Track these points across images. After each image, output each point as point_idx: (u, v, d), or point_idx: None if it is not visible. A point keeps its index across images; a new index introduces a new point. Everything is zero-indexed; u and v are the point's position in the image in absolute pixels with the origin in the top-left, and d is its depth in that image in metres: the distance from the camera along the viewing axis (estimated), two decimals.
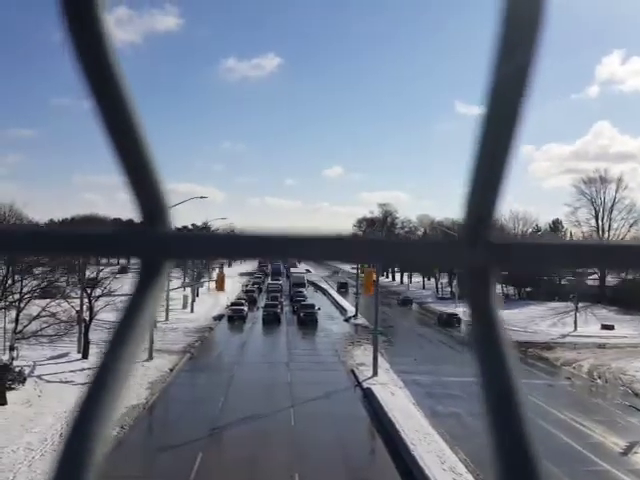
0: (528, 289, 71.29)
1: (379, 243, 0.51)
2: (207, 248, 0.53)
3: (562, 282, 71.19)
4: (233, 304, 55.47)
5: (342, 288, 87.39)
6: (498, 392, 0.47)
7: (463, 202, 0.48)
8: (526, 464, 0.44)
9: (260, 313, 53.15)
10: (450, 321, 51.14)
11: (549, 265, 0.52)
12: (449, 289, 75.83)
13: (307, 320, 49.27)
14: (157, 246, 0.52)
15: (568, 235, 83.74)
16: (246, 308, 54.28)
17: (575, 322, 51.16)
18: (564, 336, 47.12)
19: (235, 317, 51.35)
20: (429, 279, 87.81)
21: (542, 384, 30.91)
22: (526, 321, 53.35)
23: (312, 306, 52.87)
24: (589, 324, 52.38)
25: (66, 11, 0.44)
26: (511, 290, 72.26)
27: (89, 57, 0.45)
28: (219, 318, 52.84)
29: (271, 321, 49.56)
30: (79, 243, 0.53)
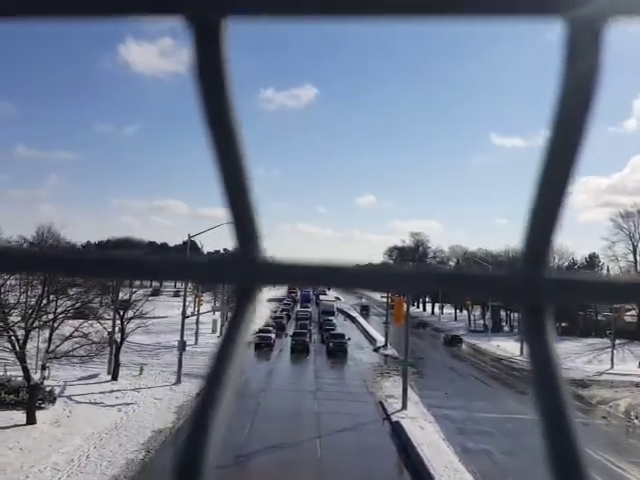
0: (564, 324, 69.61)
1: (433, 273, 0.51)
2: (295, 275, 0.53)
3: (599, 317, 69.44)
4: (260, 331, 54.51)
5: (364, 310, 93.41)
6: (554, 426, 0.47)
7: (523, 234, 0.48)
8: None
9: (288, 341, 52.22)
10: (453, 341, 60.55)
11: (602, 301, 0.52)
12: (482, 322, 74.50)
13: (336, 350, 48.11)
14: (251, 273, 0.53)
15: (605, 270, 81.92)
16: (274, 335, 53.49)
17: (612, 359, 49.63)
18: (600, 373, 45.68)
19: (262, 344, 50.44)
20: (461, 311, 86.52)
21: (577, 423, 29.95)
22: (561, 357, 51.57)
23: (342, 336, 51.71)
24: (626, 362, 50.79)
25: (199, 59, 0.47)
26: None
27: (213, 102, 0.49)
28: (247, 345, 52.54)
29: (299, 350, 48.59)
30: (177, 270, 0.54)
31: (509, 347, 56.46)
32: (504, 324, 74.98)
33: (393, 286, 0.54)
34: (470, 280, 0.51)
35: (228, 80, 0.48)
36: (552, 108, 0.44)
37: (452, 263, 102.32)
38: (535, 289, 0.48)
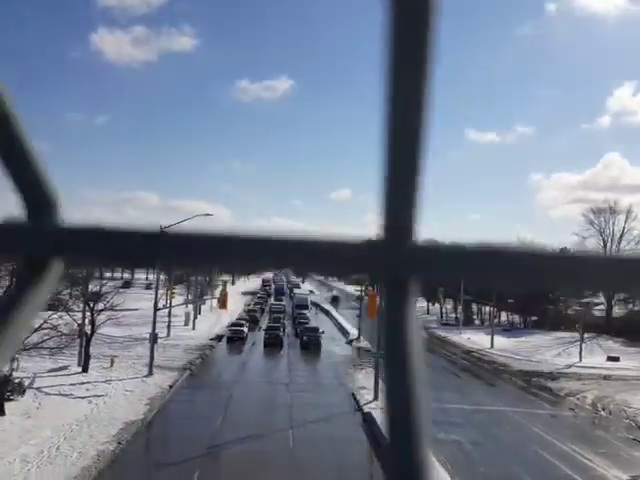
0: (534, 318, 70.77)
1: (285, 242, 0.46)
2: (105, 248, 0.45)
3: (568, 312, 70.73)
4: (233, 324, 53.94)
5: (334, 301, 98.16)
6: (400, 413, 0.44)
7: (381, 203, 0.45)
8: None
9: (262, 335, 51.77)
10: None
11: (477, 277, 0.46)
12: (454, 315, 75.38)
13: (310, 344, 48.00)
14: (42, 242, 0.45)
15: None
16: (246, 329, 52.93)
17: (580, 353, 50.64)
18: (569, 366, 46.59)
19: (235, 338, 50.28)
20: (433, 304, 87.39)
21: (545, 414, 30.54)
22: (531, 350, 52.88)
23: (316, 329, 51.58)
24: (594, 355, 51.87)
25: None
26: (517, 318, 71.75)
27: None
28: (219, 338, 51.33)
29: (273, 344, 48.24)
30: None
31: (479, 340, 57.30)
32: (475, 317, 76.04)
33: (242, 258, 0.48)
34: (326, 251, 0.45)
35: None
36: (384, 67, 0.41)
37: None
38: (394, 261, 0.44)
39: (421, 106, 0.42)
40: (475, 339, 58.36)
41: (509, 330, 65.70)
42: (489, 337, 54.97)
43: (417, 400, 0.44)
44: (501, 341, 56.14)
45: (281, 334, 51.44)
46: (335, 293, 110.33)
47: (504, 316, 72.75)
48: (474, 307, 76.10)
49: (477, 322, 74.14)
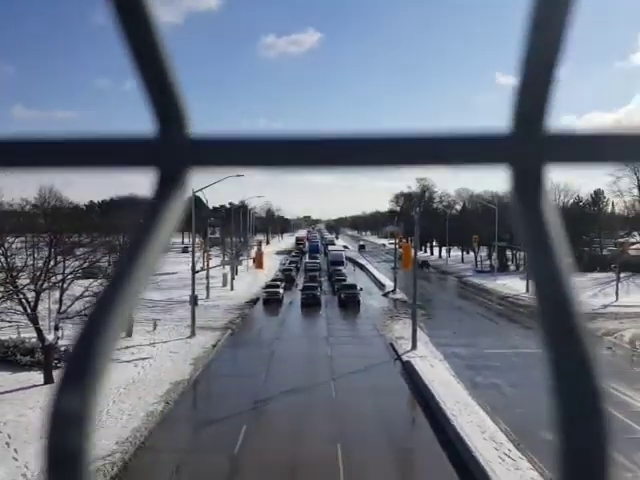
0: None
1: (408, 140, 0.45)
2: (238, 154, 0.46)
3: (603, 252, 69.61)
4: (268, 286, 52.31)
5: (361, 248, 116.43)
6: (553, 300, 0.41)
7: (515, 90, 0.43)
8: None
9: (299, 295, 50.46)
10: (422, 265, 66.36)
11: (609, 160, 0.45)
12: (488, 262, 74.91)
13: (348, 301, 46.96)
14: (175, 154, 0.45)
15: (610, 205, 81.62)
16: (282, 290, 51.44)
17: (617, 292, 50.05)
18: (605, 306, 46.15)
19: (271, 300, 48.80)
20: (468, 252, 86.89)
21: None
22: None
23: (354, 286, 50.32)
24: (631, 294, 51.21)
25: None
26: None
27: None
28: (252, 303, 49.83)
29: (310, 304, 46.91)
30: (78, 153, 0.46)
31: (515, 285, 56.95)
32: (510, 263, 75.40)
33: (407, 159, 0.46)
34: (452, 144, 0.45)
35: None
36: None
37: (458, 207, 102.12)
38: (528, 148, 0.44)
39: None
40: (510, 285, 58.05)
41: None
42: (524, 282, 54.60)
43: (564, 280, 0.42)
44: None
45: (318, 293, 49.73)
46: (361, 243, 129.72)
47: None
48: (508, 253, 75.43)
49: (512, 268, 73.57)
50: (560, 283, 0.41)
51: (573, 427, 0.36)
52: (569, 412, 0.36)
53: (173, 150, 0.45)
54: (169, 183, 0.46)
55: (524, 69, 0.42)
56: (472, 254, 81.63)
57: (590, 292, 52.98)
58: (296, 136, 0.45)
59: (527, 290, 52.91)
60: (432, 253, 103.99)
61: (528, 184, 0.44)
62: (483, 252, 78.19)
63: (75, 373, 0.41)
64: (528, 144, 0.43)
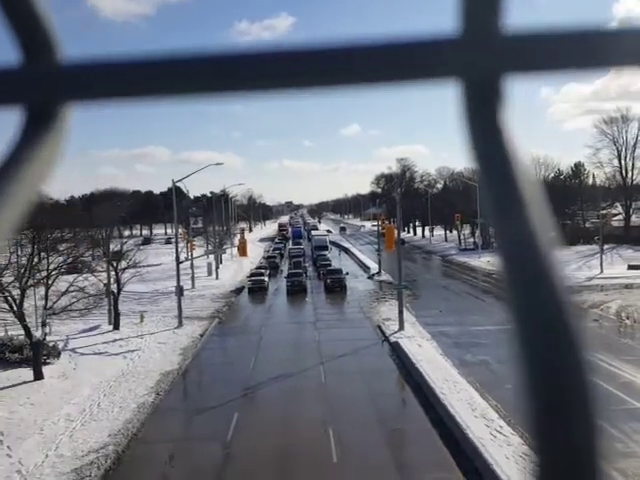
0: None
1: (350, 50, 0.36)
2: (123, 81, 0.37)
3: (586, 225, 70.37)
4: (252, 274, 51.34)
5: (342, 230, 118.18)
6: (512, 232, 0.36)
7: None
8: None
9: (284, 283, 49.62)
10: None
11: (574, 65, 0.36)
12: (472, 240, 75.42)
13: (334, 287, 46.59)
14: (44, 86, 0.37)
15: (591, 177, 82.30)
16: (267, 278, 50.79)
17: (601, 264, 50.64)
18: (590, 279, 46.71)
19: (256, 288, 47.95)
20: (451, 231, 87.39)
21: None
22: None
23: (339, 271, 49.35)
24: (615, 265, 51.88)
25: None
26: None
27: None
28: (238, 291, 48.85)
29: (296, 291, 46.23)
30: None
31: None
32: (493, 240, 75.83)
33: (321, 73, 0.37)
34: (399, 52, 0.36)
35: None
36: None
37: (439, 185, 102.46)
38: (481, 55, 0.35)
39: None
40: (494, 261, 58.43)
41: None
42: None
43: (534, 222, 0.35)
44: None
45: (303, 280, 48.68)
46: (342, 225, 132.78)
47: None
48: (491, 230, 75.94)
49: (495, 244, 74.08)
50: (529, 228, 0.35)
51: (559, 403, 0.30)
52: (553, 389, 0.31)
53: (41, 81, 0.37)
54: (38, 121, 0.38)
55: None
56: (455, 233, 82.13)
57: (574, 265, 53.61)
58: (205, 53, 0.37)
59: None
60: (415, 233, 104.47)
61: (482, 99, 0.36)
62: (466, 230, 78.66)
63: None
64: (480, 50, 0.35)
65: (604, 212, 65.66)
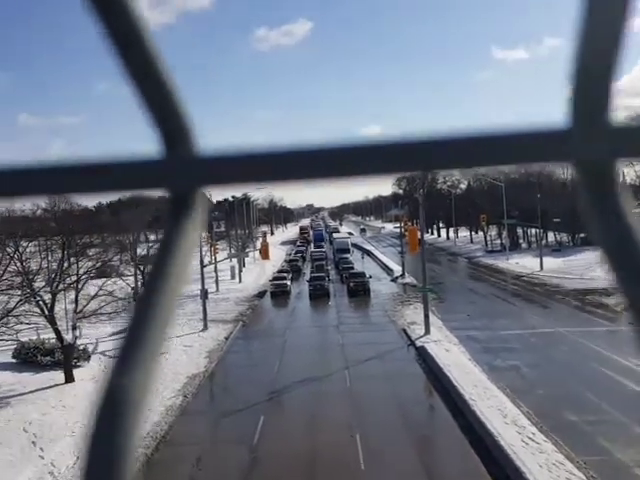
0: (582, 235, 69.07)
1: (454, 143, 0.39)
2: (248, 170, 0.42)
3: None
4: (275, 278, 50.63)
5: (362, 232, 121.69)
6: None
7: (571, 79, 0.39)
8: None
9: (306, 286, 49.01)
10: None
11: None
12: (498, 241, 74.34)
13: (358, 290, 45.78)
14: (183, 174, 0.43)
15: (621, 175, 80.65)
16: (289, 282, 50.14)
17: None
18: None
19: (278, 292, 47.42)
20: (476, 232, 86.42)
21: (602, 331, 30.22)
22: (583, 268, 51.83)
23: (362, 274, 48.29)
24: None
25: None
26: (565, 237, 69.82)
27: None
28: (261, 295, 48.61)
29: (319, 296, 45.49)
30: (86, 177, 0.44)
31: (528, 263, 56.48)
32: (521, 241, 74.65)
33: (382, 167, 0.41)
34: (507, 143, 0.39)
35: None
36: None
37: (463, 186, 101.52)
38: (593, 144, 0.38)
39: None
40: (524, 263, 57.60)
41: (558, 250, 64.11)
42: (538, 260, 54.21)
43: None
44: (551, 262, 55.08)
45: (326, 284, 47.88)
46: (362, 227, 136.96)
47: (551, 236, 71.03)
48: (519, 231, 74.72)
49: (524, 246, 72.84)
50: None
51: None
52: None
53: (180, 170, 0.43)
54: (179, 204, 0.44)
55: (581, 55, 0.38)
56: (481, 234, 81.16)
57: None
58: (309, 147, 0.41)
59: (541, 268, 52.65)
60: (439, 235, 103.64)
61: (598, 182, 0.39)
62: (492, 231, 77.58)
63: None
64: (592, 139, 0.38)
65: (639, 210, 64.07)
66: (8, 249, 25.88)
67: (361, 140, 0.40)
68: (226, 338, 33.42)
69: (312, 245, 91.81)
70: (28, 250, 27.96)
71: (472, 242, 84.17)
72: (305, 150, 0.41)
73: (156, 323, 0.42)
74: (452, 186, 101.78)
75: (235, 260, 59.95)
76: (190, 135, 0.43)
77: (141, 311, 0.43)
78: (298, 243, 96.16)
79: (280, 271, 55.36)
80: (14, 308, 23.40)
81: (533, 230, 68.44)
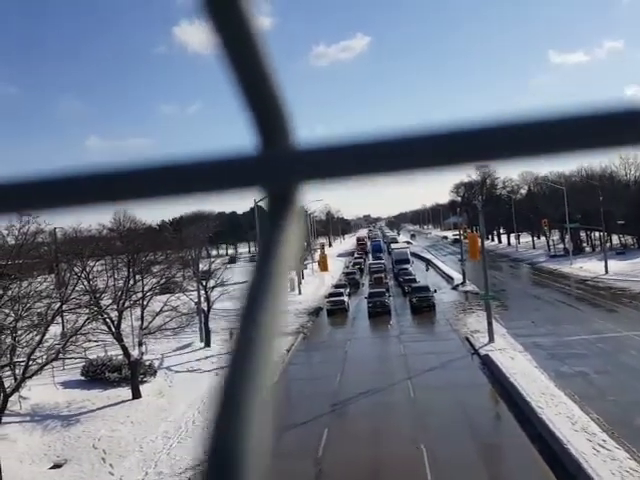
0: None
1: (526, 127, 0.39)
2: (352, 163, 0.40)
3: None
4: (331, 294, 46.84)
5: (412, 237, 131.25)
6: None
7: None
8: None
9: (364, 303, 44.88)
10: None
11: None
12: (561, 245, 72.28)
13: (422, 306, 41.51)
14: (283, 169, 0.41)
15: None
16: (347, 298, 46.46)
17: None
18: None
19: (335, 310, 43.96)
20: (539, 237, 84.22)
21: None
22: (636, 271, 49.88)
23: (426, 288, 44.06)
24: None
25: None
26: (629, 240, 67.49)
27: None
28: (316, 313, 45.01)
29: (379, 314, 41.46)
30: (179, 179, 0.42)
31: (592, 267, 54.78)
32: (585, 245, 72.44)
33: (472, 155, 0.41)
34: (577, 125, 0.38)
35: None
36: None
37: (523, 191, 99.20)
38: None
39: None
40: (588, 267, 55.84)
41: (622, 253, 61.93)
42: (602, 263, 52.41)
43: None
44: (616, 265, 53.17)
45: (386, 300, 43.67)
46: (412, 232, 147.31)
47: (615, 239, 68.71)
48: (582, 234, 72.52)
49: (588, 249, 70.68)
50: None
51: None
52: None
53: (279, 165, 0.41)
54: (279, 201, 0.42)
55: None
56: (543, 239, 79.03)
57: None
58: (419, 132, 0.39)
59: (606, 271, 50.87)
60: (500, 241, 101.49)
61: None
62: (555, 236, 75.51)
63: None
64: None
65: None
66: (76, 269, 26.89)
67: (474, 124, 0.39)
68: (287, 350, 33.66)
69: (370, 256, 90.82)
70: (95, 269, 29.00)
71: (534, 247, 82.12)
72: (416, 136, 0.38)
73: (266, 325, 0.42)
74: (512, 192, 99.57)
75: (294, 272, 60.42)
76: (288, 127, 0.41)
77: (248, 314, 0.42)
78: (355, 255, 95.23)
79: (337, 286, 51.84)
80: (82, 326, 24.17)
81: (597, 233, 66.28)
